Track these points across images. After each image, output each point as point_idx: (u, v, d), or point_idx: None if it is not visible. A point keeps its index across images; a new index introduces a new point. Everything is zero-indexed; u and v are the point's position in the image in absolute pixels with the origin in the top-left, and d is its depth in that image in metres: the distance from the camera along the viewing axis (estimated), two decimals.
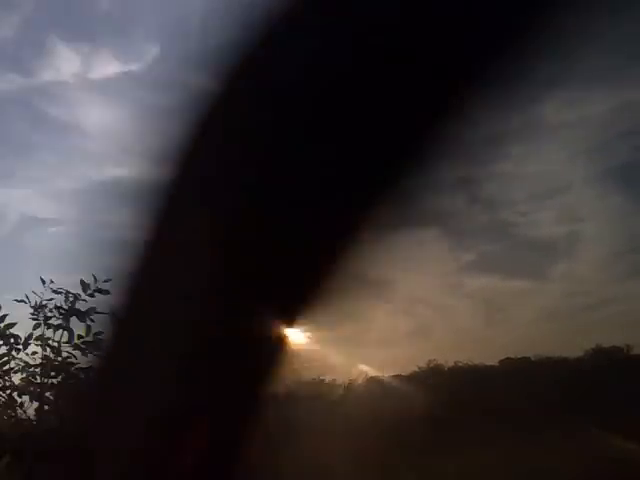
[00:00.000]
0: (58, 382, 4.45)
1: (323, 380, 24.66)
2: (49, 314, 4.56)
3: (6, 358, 4.44)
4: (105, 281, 5.06)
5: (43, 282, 4.58)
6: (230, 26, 1.08)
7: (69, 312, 4.58)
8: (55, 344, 4.53)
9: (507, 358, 23.72)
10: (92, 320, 4.72)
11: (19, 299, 4.58)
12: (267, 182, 1.09)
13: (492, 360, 25.18)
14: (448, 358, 25.59)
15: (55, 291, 4.59)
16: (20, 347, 4.49)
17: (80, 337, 4.57)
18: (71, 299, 4.59)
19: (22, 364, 4.47)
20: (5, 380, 4.42)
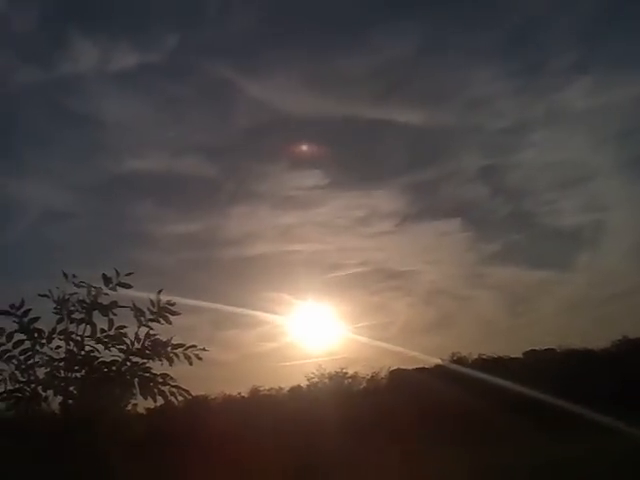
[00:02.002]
0: (82, 376, 4.47)
1: (346, 373, 24.04)
2: (72, 308, 4.58)
3: (30, 352, 4.47)
4: (127, 274, 5.11)
5: (65, 276, 4.60)
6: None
7: (91, 306, 4.59)
8: (78, 338, 4.55)
9: (531, 350, 23.55)
10: (114, 314, 4.74)
11: (42, 293, 4.61)
12: None
13: (516, 352, 24.84)
14: (471, 350, 25.21)
15: (77, 285, 4.61)
16: (44, 341, 4.51)
17: (103, 331, 4.59)
18: (93, 293, 4.61)
19: (46, 358, 4.50)
20: (30, 374, 4.45)
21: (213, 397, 24.46)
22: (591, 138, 31.78)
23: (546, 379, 15.12)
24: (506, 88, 31.15)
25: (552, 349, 23.49)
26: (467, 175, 35.01)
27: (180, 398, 4.58)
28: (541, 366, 19.04)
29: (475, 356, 23.67)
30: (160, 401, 4.61)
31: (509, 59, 31.56)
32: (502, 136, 31.77)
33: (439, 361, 22.60)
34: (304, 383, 24.88)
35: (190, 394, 4.57)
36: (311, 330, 19.39)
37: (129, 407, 5.04)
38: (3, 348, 4.54)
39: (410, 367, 23.80)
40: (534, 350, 23.71)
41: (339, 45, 30.13)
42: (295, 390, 25.51)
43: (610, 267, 31.50)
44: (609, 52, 28.61)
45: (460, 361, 22.39)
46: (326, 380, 24.16)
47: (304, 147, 33.23)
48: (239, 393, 25.57)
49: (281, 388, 25.97)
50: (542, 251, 34.25)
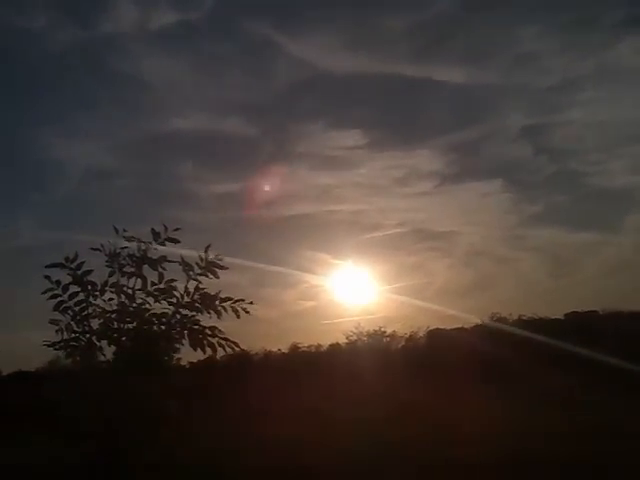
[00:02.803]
0: (134, 327, 4.61)
1: (384, 332, 24.27)
2: (123, 262, 4.70)
3: (84, 304, 4.62)
4: (175, 230, 5.20)
5: (116, 231, 4.71)
6: None
7: (141, 260, 4.70)
8: (129, 291, 4.68)
9: (573, 312, 23.32)
10: (164, 268, 4.86)
11: (94, 247, 4.74)
12: None
13: (557, 314, 24.64)
14: (512, 311, 25.14)
15: (128, 239, 4.71)
16: (97, 293, 4.66)
17: (153, 284, 4.71)
18: (143, 247, 4.71)
19: (99, 310, 4.65)
20: (84, 325, 4.61)
21: (255, 352, 24.97)
22: None
23: (589, 339, 14.99)
24: (553, 44, 30.07)
25: (595, 311, 23.21)
26: (510, 135, 34.27)
27: (229, 350, 4.70)
28: (582, 328, 18.86)
29: (515, 317, 23.56)
30: (209, 352, 4.74)
31: (557, 15, 30.37)
32: (548, 94, 30.80)
33: (478, 321, 22.58)
34: (343, 341, 25.16)
35: (238, 346, 4.68)
36: (349, 289, 19.54)
37: (175, 360, 5.19)
38: (59, 299, 4.72)
39: (449, 327, 23.85)
40: (576, 312, 23.46)
41: (380, 2, 29.53)
42: (334, 347, 25.84)
43: None
44: None
45: (500, 321, 22.32)
46: (364, 338, 24.38)
47: (344, 106, 32.94)
48: (279, 349, 26.05)
49: (320, 345, 26.34)
50: (586, 213, 33.49)
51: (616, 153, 31.72)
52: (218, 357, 4.91)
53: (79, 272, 4.69)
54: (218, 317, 4.71)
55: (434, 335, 23.14)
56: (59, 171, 32.79)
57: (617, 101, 29.80)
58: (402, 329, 24.51)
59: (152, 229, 4.83)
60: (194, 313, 4.70)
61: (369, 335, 24.46)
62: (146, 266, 4.83)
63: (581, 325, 19.16)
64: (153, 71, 30.97)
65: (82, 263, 4.71)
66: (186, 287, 4.71)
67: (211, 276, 4.77)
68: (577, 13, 29.00)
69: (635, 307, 21.81)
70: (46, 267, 4.74)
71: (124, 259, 4.81)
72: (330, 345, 26.07)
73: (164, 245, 4.81)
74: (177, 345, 4.83)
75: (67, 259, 4.68)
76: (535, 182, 33.30)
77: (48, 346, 4.64)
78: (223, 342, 4.66)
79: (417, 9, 30.51)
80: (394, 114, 33.39)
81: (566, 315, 23.30)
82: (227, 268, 4.77)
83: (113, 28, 28.69)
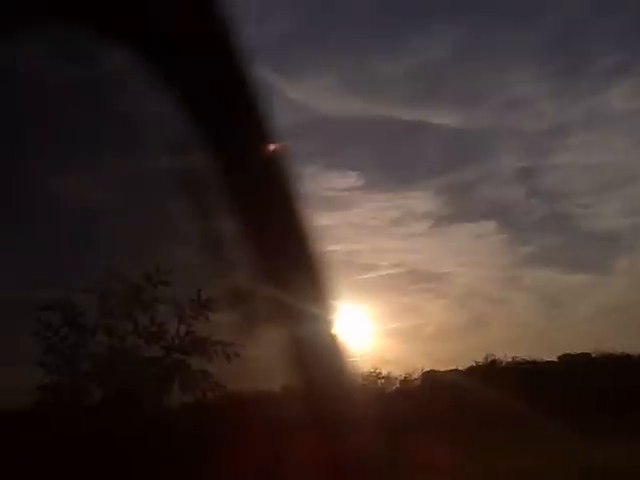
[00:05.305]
0: (124, 370, 4.59)
1: (380, 373, 24.33)
2: (114, 304, 4.71)
3: (75, 347, 4.61)
4: (167, 272, 5.20)
5: (108, 272, 4.73)
6: None
7: (133, 302, 4.71)
8: (120, 333, 4.67)
9: (566, 354, 23.26)
10: (155, 310, 4.85)
11: (85, 289, 4.75)
12: None
13: (551, 355, 24.66)
14: (506, 352, 25.26)
15: (119, 281, 4.73)
16: (88, 336, 4.65)
17: (144, 327, 4.70)
18: (135, 290, 4.72)
19: (89, 352, 4.63)
20: (74, 367, 4.59)
21: (245, 392, 24.62)
22: (631, 141, 31.17)
23: (582, 383, 14.92)
24: (545, 90, 30.67)
25: (587, 353, 23.14)
26: (503, 177, 34.73)
27: (217, 394, 4.68)
28: (577, 370, 18.77)
29: (509, 359, 23.43)
30: (198, 396, 4.72)
31: (548, 61, 31.03)
32: (540, 138, 31.25)
33: (472, 363, 22.42)
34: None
35: (226, 389, 4.67)
36: (344, 330, 19.29)
37: (164, 402, 5.15)
38: (50, 342, 4.70)
39: (443, 369, 23.69)
40: (569, 354, 23.37)
41: (377, 47, 30.10)
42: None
43: None
44: None
45: (494, 363, 22.18)
46: (359, 380, 24.15)
47: (341, 148, 33.28)
48: (271, 389, 25.65)
49: None
50: (579, 254, 33.72)
51: (606, 196, 32.21)
52: (212, 398, 4.87)
53: (70, 314, 4.70)
54: (209, 361, 4.70)
55: (429, 377, 22.97)
56: (53, 208, 32.78)
57: (606, 145, 30.32)
58: (397, 370, 24.37)
59: (145, 271, 4.85)
60: (185, 357, 4.70)
61: (364, 377, 24.30)
62: (138, 308, 4.84)
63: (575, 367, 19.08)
64: (151, 109, 31.31)
65: (74, 305, 4.72)
66: (177, 330, 4.71)
67: (203, 319, 4.78)
68: (567, 60, 29.70)
69: (626, 349, 21.77)
70: (39, 309, 4.74)
71: (116, 301, 4.82)
72: None
73: (156, 287, 4.83)
74: (167, 388, 4.81)
75: (59, 301, 4.69)
76: (528, 224, 33.69)
77: (37, 389, 4.61)
78: (213, 386, 4.65)
79: (412, 55, 31.18)
80: (390, 156, 33.83)
81: (559, 357, 23.21)
82: (218, 311, 4.79)
83: (110, 66, 29.05)
